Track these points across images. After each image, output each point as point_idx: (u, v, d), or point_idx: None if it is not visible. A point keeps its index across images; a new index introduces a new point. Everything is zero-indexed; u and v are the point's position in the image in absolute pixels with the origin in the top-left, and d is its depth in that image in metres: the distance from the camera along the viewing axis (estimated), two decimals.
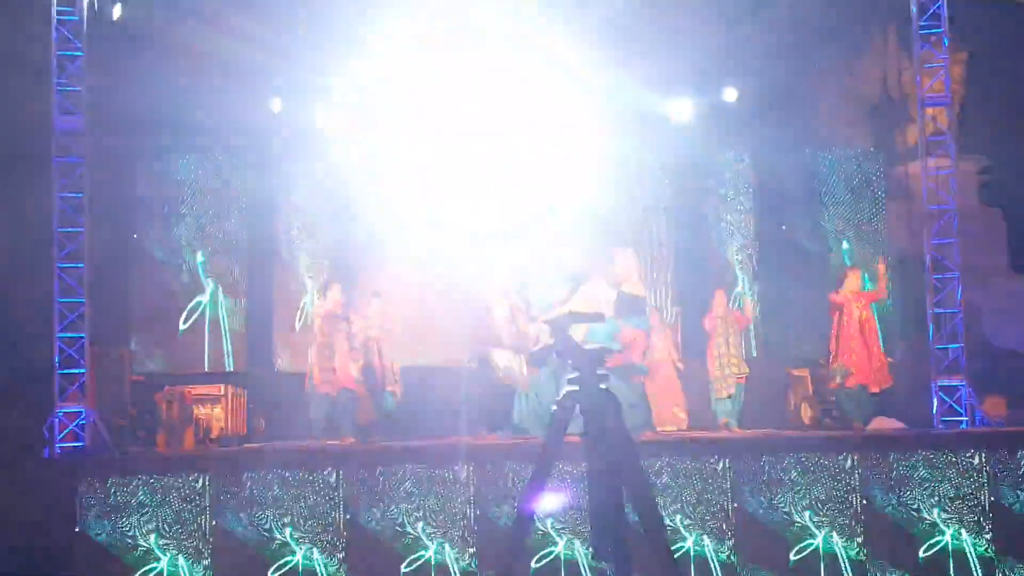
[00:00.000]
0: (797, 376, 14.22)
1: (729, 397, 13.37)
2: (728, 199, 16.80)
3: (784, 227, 16.73)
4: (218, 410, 12.98)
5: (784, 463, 10.45)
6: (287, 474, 10.22)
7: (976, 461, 10.41)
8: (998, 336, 19.52)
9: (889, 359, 12.92)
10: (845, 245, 16.23)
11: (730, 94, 16.20)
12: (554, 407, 4.41)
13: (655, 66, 15.79)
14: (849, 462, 10.45)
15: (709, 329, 13.67)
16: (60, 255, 12.03)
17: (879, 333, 12.30)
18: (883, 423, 12.19)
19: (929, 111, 12.63)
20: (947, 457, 10.42)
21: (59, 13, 12.12)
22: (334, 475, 10.21)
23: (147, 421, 12.60)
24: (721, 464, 10.45)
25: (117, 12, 13.18)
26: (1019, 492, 10.35)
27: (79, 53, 12.15)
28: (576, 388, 4.38)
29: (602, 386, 4.27)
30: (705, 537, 10.34)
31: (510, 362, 11.88)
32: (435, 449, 10.78)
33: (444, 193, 14.04)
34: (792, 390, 14.21)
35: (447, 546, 10.15)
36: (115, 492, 10.14)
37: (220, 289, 15.83)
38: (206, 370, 15.22)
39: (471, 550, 10.19)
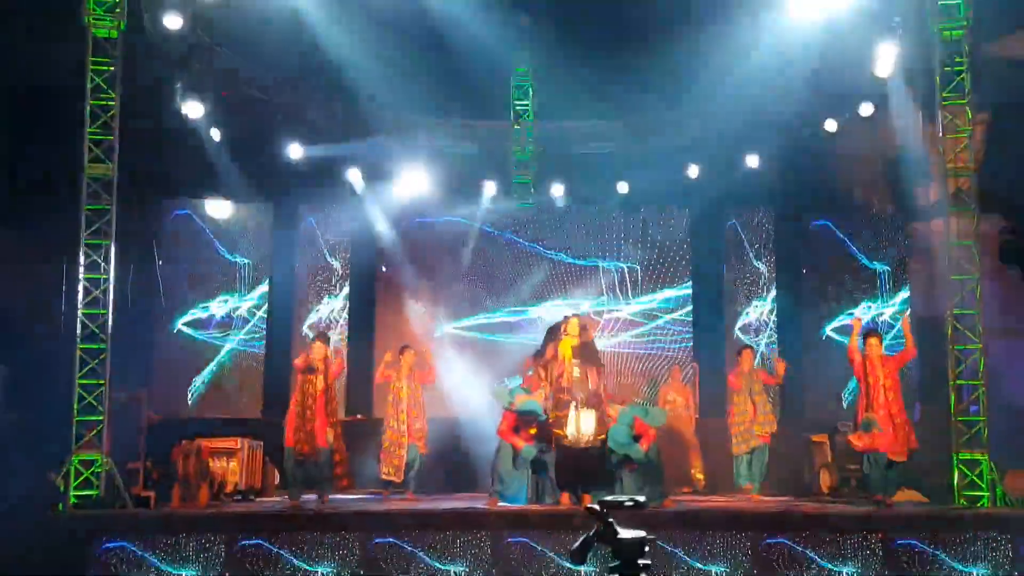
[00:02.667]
0: (816, 442, 14.00)
1: (749, 453, 13.17)
2: (749, 261, 16.68)
3: (800, 292, 16.62)
4: (234, 464, 12.84)
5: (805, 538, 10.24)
6: None
7: (1000, 541, 10.17)
8: (1020, 399, 19.29)
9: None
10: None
11: (752, 159, 16.19)
12: None
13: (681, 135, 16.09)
14: (873, 540, 10.24)
15: (733, 386, 13.53)
16: (84, 301, 11.95)
17: (902, 400, 11.96)
18: (908, 495, 11.97)
19: (951, 180, 12.43)
20: (970, 537, 10.17)
21: (93, 64, 12.11)
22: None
23: (162, 472, 12.43)
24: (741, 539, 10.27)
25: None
26: None
27: (112, 102, 12.11)
28: None
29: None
30: None
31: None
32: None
33: None
34: (812, 456, 13.99)
35: None
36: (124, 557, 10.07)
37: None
38: (223, 417, 15.21)
39: None
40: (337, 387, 12.47)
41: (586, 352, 11.48)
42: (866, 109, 15.23)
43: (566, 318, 11.79)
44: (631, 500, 4.18)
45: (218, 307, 16.17)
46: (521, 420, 11.40)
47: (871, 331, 12.29)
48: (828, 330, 16.31)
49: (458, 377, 15.27)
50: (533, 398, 11.31)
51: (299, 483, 11.85)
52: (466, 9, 14.41)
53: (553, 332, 11.86)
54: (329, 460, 11.86)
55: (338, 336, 16.26)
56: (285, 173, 16.18)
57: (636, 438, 11.24)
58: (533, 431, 11.35)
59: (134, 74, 12.62)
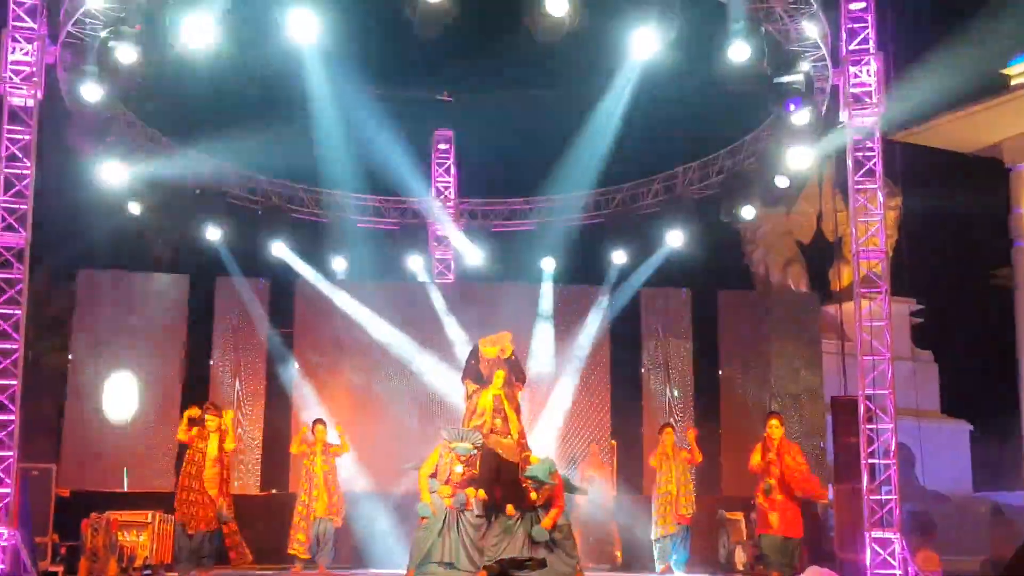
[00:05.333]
0: (732, 519, 14.11)
1: (669, 536, 13.12)
2: (666, 338, 16.91)
3: (720, 371, 16.85)
4: (144, 537, 12.54)
5: None
6: None
7: None
8: (931, 479, 19.68)
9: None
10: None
11: (674, 238, 16.50)
12: None
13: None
14: None
15: (655, 466, 13.50)
16: None
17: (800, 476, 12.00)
18: (818, 574, 12.07)
19: (863, 263, 12.76)
20: None
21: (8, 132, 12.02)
22: None
23: (70, 547, 12.13)
24: None
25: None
26: None
27: (27, 171, 11.99)
28: None
29: None
30: None
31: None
32: None
33: None
34: (726, 533, 14.09)
35: None
36: None
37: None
38: (136, 491, 14.92)
39: None
40: (229, 459, 12.23)
41: (509, 397, 11.54)
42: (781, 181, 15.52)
43: (482, 356, 11.70)
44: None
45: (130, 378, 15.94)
46: (450, 464, 11.06)
47: (772, 413, 12.60)
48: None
49: (379, 446, 15.24)
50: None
51: (187, 559, 11.71)
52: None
53: (474, 359, 11.83)
54: (217, 535, 11.78)
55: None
56: (205, 249, 16.22)
57: (550, 485, 10.96)
58: (458, 474, 10.95)
59: (53, 142, 12.54)
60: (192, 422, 11.96)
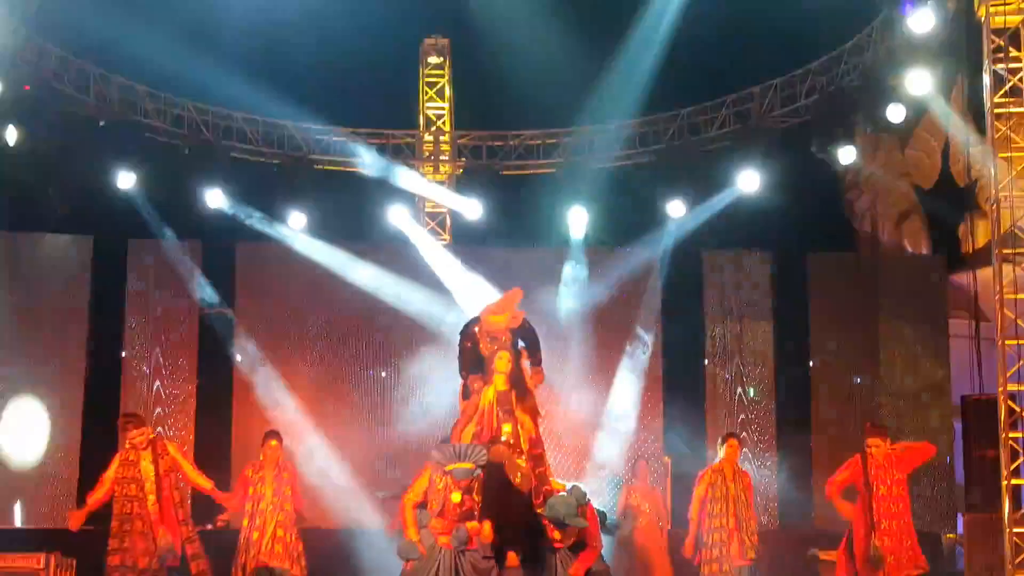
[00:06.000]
0: (826, 561, 14.14)
1: None
2: (739, 317, 16.96)
3: (811, 362, 16.91)
4: None
5: None
6: None
7: None
8: None
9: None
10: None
11: (748, 181, 16.48)
12: None
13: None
14: None
15: (704, 491, 13.29)
16: None
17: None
18: None
19: (1006, 214, 12.71)
20: None
21: None
22: None
23: None
24: None
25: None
26: None
27: None
28: None
29: None
30: None
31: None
32: None
33: None
34: None
35: None
36: None
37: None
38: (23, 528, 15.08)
39: None
40: (178, 480, 12.20)
41: (520, 392, 11.17)
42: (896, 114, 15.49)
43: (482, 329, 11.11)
44: None
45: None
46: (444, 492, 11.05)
47: (874, 427, 12.52)
48: None
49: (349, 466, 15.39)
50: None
51: None
52: None
53: (470, 342, 11.47)
54: None
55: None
56: (112, 200, 16.34)
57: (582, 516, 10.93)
58: (455, 505, 10.93)
59: None
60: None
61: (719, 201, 16.99)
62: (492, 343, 10.98)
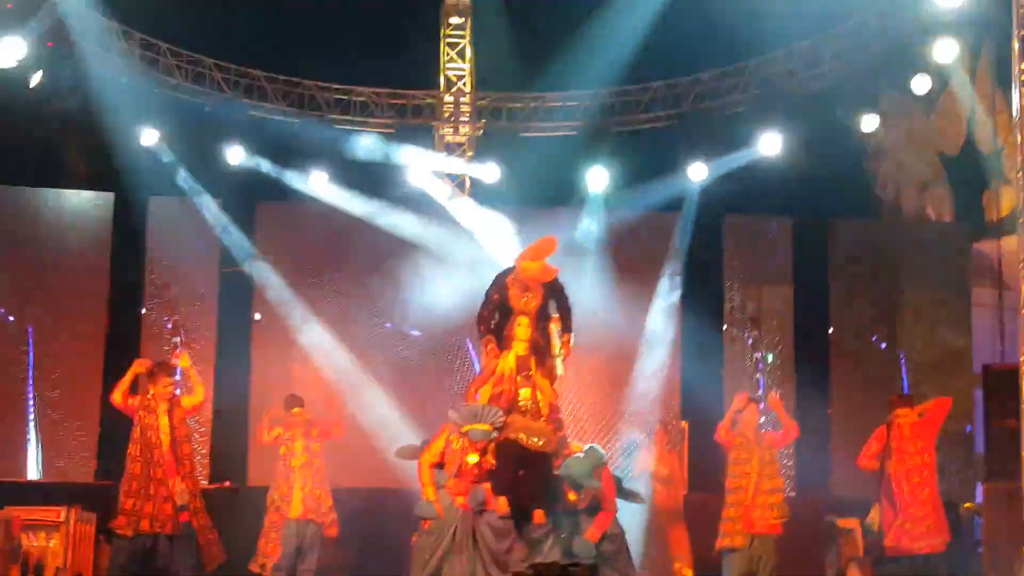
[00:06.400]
0: (844, 528, 14.15)
1: (746, 548, 12.91)
2: (758, 283, 16.94)
3: (831, 329, 16.87)
4: (55, 541, 12.70)
5: None
6: None
7: None
8: None
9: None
10: None
11: (769, 144, 16.43)
12: None
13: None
14: None
15: (724, 443, 13.11)
16: None
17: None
18: None
19: None
20: None
21: None
22: None
23: None
24: None
25: None
26: None
27: None
28: None
29: None
30: None
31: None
32: None
33: None
34: (837, 547, 14.13)
35: None
36: None
37: None
38: (42, 481, 15.20)
39: None
40: (188, 428, 12.15)
41: (538, 356, 11.07)
42: (921, 84, 15.44)
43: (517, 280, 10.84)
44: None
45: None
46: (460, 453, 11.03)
47: (901, 397, 12.54)
48: None
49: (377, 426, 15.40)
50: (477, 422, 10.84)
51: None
52: None
53: (500, 294, 11.24)
54: (183, 536, 11.64)
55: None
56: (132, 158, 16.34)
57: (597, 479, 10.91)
58: (471, 465, 10.90)
59: None
60: (137, 385, 11.83)
61: (738, 160, 16.95)
62: (523, 293, 10.80)
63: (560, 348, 10.77)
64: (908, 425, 11.75)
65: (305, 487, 12.83)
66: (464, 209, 17.27)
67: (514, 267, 10.91)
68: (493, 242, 16.45)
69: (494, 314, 10.89)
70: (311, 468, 12.89)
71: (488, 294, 10.96)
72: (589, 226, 17.05)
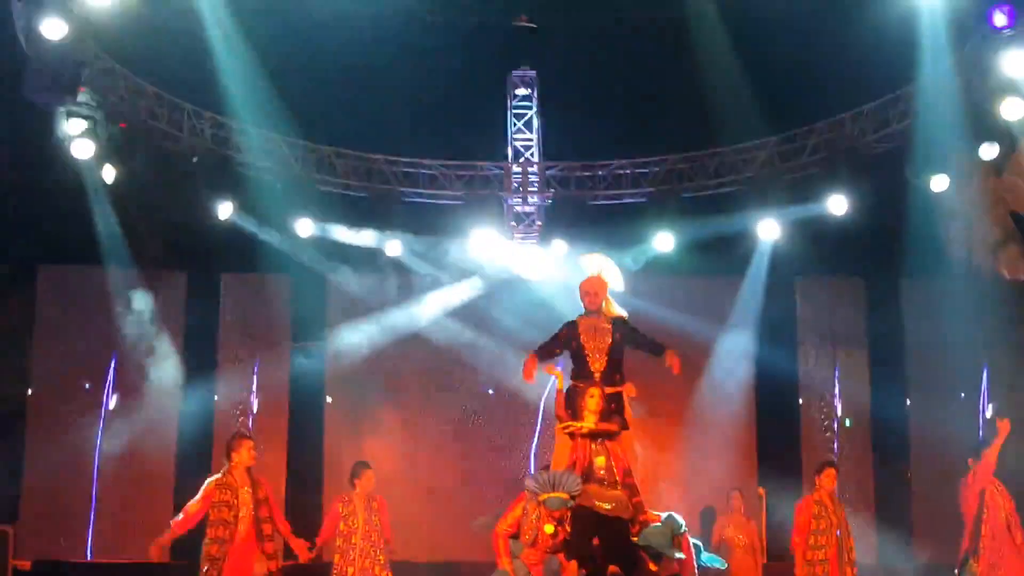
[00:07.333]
0: None
1: None
2: (833, 346, 16.83)
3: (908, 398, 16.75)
4: None
5: None
6: None
7: None
8: None
9: None
10: None
11: (837, 204, 16.34)
12: None
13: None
14: None
15: (804, 520, 12.74)
16: None
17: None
18: None
19: None
20: None
21: None
22: None
23: None
24: None
25: None
26: None
27: None
28: None
29: None
30: None
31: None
32: None
33: None
34: None
35: None
36: None
37: None
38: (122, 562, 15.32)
39: None
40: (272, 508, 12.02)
41: (610, 415, 10.90)
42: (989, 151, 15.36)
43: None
44: None
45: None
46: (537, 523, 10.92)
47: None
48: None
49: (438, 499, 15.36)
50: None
51: None
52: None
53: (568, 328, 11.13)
54: None
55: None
56: (205, 236, 16.49)
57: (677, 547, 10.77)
58: (549, 536, 10.80)
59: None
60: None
61: (807, 221, 16.83)
62: (594, 334, 10.55)
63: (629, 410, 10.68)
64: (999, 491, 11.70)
65: (363, 562, 12.74)
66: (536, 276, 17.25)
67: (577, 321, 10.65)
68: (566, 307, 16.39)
69: (555, 344, 10.68)
70: (372, 542, 12.78)
71: (559, 330, 10.70)
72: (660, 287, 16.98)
